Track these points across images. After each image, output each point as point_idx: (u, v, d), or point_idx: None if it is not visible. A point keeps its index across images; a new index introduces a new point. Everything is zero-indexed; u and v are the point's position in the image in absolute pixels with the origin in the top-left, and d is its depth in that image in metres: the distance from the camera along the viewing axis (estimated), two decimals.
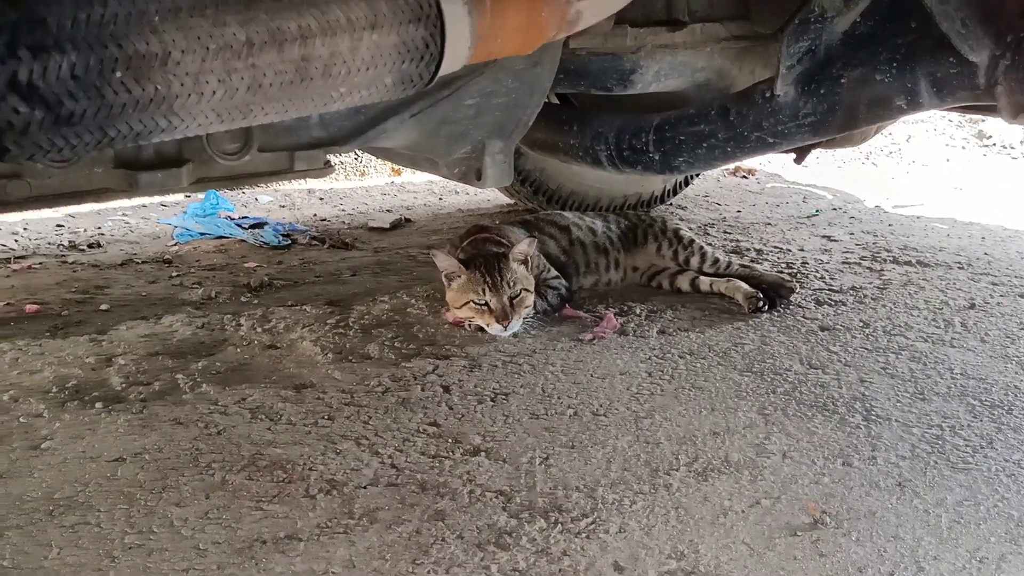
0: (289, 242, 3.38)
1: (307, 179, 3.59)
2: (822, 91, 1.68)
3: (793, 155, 2.14)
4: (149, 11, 0.99)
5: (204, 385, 2.16)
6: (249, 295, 2.83)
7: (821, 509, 1.68)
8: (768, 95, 1.73)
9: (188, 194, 3.95)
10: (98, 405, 2.05)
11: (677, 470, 1.82)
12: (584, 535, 1.60)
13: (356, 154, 4.28)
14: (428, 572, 1.49)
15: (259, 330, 2.51)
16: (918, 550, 1.57)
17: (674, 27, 1.96)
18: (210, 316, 2.61)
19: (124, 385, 2.16)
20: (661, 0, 1.97)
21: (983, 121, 5.22)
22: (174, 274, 3.04)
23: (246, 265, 3.13)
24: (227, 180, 1.55)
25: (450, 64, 1.28)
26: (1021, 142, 5.02)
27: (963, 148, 5.13)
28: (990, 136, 5.13)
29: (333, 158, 4.20)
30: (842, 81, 1.66)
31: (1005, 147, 5.05)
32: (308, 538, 1.57)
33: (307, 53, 1.10)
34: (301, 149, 1.52)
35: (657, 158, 1.89)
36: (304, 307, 2.68)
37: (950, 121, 5.30)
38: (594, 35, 1.82)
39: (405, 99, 1.44)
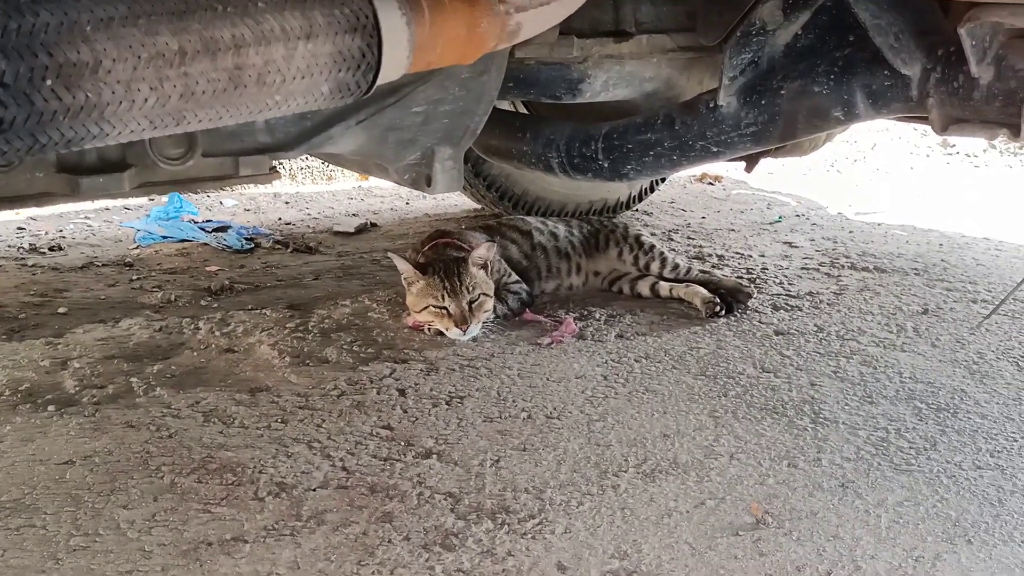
0: (252, 246, 3.38)
1: (254, 184, 3.59)
2: (763, 102, 1.71)
3: (744, 163, 2.18)
4: (81, 21, 1.00)
5: (158, 388, 2.15)
6: (209, 299, 2.82)
7: (764, 509, 1.71)
8: (712, 105, 1.76)
9: (152, 197, 3.94)
10: (50, 408, 2.04)
11: (626, 472, 1.84)
12: (530, 536, 1.62)
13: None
14: (373, 573, 1.50)
15: (217, 334, 2.51)
16: (856, 549, 1.60)
17: (621, 38, 1.99)
18: (168, 320, 2.60)
19: (78, 388, 2.15)
20: (609, 12, 2.00)
21: None
22: (134, 277, 3.03)
23: (208, 269, 3.13)
24: (171, 184, 1.56)
25: (388, 73, 1.29)
26: (984, 151, 5.10)
27: (927, 156, 5.21)
28: (954, 144, 5.21)
29: (288, 163, 4.19)
30: (782, 92, 1.70)
31: (968, 155, 5.13)
32: (254, 540, 1.58)
33: (241, 62, 1.11)
34: (246, 155, 1.53)
35: (606, 166, 1.92)
36: (264, 311, 2.68)
37: (915, 129, 5.37)
38: (540, 45, 1.85)
39: (350, 106, 1.46)
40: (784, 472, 1.85)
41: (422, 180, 1.75)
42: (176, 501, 1.69)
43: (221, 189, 3.81)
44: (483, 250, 2.55)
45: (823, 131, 1.79)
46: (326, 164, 4.28)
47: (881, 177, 4.86)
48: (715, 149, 1.77)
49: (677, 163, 1.85)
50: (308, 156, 4.21)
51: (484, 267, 2.56)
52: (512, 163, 2.18)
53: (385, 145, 1.66)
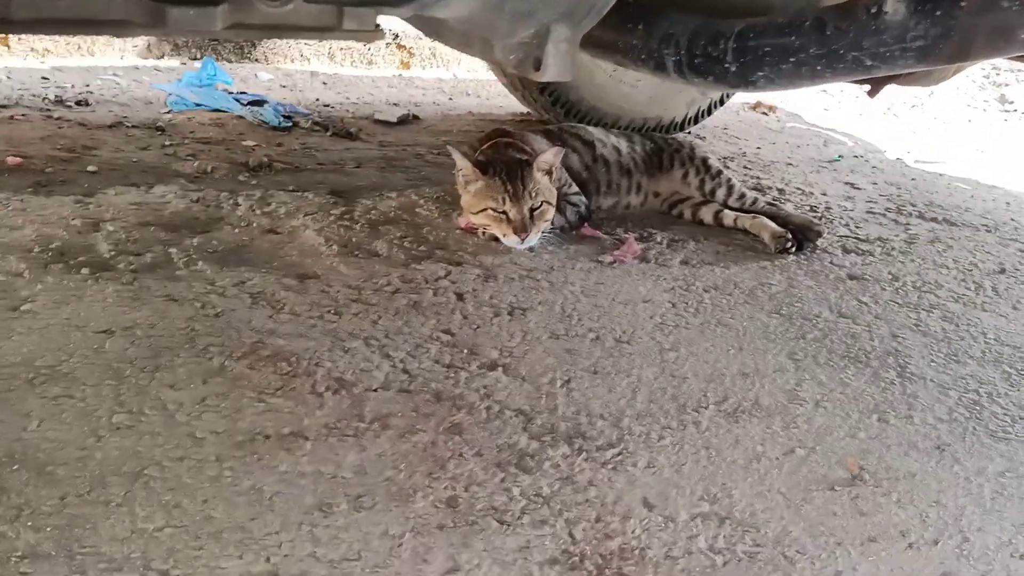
0: (290, 124, 3.18)
1: (355, 40, 3.36)
2: (938, 13, 1.50)
3: (868, 87, 1.98)
4: None
5: (200, 263, 1.99)
6: (247, 175, 2.64)
7: (859, 465, 1.58)
8: (875, 11, 1.55)
9: (184, 61, 3.71)
10: (84, 271, 1.88)
11: (706, 408, 1.70)
12: (611, 466, 1.49)
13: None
14: (445, 488, 1.37)
15: (258, 212, 2.34)
16: (961, 519, 1.48)
17: None
18: (205, 192, 2.43)
19: (113, 253, 1.99)
20: None
21: (1007, 86, 5.08)
22: (167, 143, 2.84)
23: (244, 143, 2.93)
24: (266, 30, 1.36)
25: None
26: None
27: (984, 111, 5.00)
28: (1012, 101, 5.00)
29: (327, 42, 3.94)
30: (962, 4, 1.49)
31: None
32: (315, 438, 1.44)
33: None
34: (352, 5, 1.33)
35: (734, 69, 1.71)
36: (306, 194, 2.51)
37: (973, 82, 5.15)
38: None
39: None
40: (875, 427, 1.72)
41: (530, 62, 1.55)
42: (227, 386, 1.54)
43: (320, 40, 3.55)
44: (551, 155, 2.37)
45: (1001, 54, 1.59)
46: (367, 47, 4.04)
47: (939, 127, 4.67)
48: (869, 62, 1.57)
49: (820, 74, 1.65)
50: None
51: (549, 173, 2.38)
52: (614, 58, 1.97)
53: (500, 15, 1.45)
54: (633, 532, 1.34)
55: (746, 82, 1.72)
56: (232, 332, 1.71)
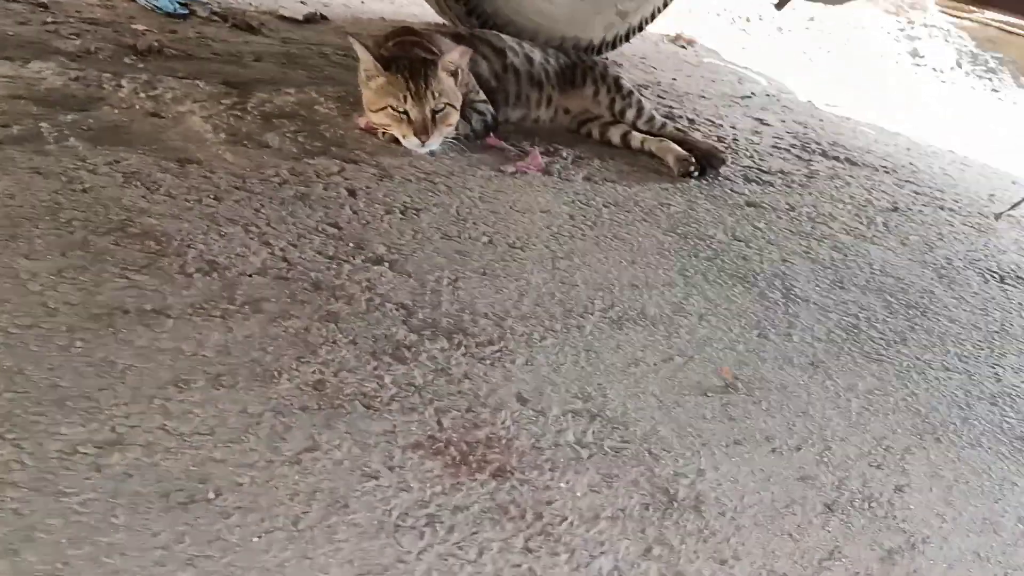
0: (186, 12, 3.00)
1: None
2: None
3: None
4: None
5: (72, 139, 1.87)
6: (134, 58, 2.48)
7: (734, 374, 1.60)
8: None
9: None
10: None
11: (592, 314, 1.69)
12: (488, 361, 1.46)
13: None
14: (313, 372, 1.32)
15: (142, 95, 2.20)
16: (826, 429, 1.51)
17: None
18: (87, 71, 2.27)
19: None
20: None
21: (919, 39, 5.18)
22: (49, 20, 2.64)
23: (134, 26, 2.75)
24: None
25: None
26: (951, 68, 5.02)
27: (896, 62, 5.09)
28: (923, 56, 5.11)
29: None
30: None
31: (935, 69, 5.04)
32: (179, 316, 1.37)
33: None
34: None
35: None
36: (197, 82, 2.37)
37: (888, 33, 5.23)
38: None
39: None
40: (754, 341, 1.74)
41: None
42: (88, 260, 1.45)
43: None
44: (456, 55, 2.29)
45: None
46: None
47: (851, 73, 4.73)
48: None
49: None
50: None
51: (454, 75, 2.30)
52: None
53: None
54: (503, 423, 1.32)
55: None
56: (99, 208, 1.61)
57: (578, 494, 1.21)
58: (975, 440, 1.58)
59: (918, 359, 1.82)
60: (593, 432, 1.35)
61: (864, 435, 1.52)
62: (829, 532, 1.29)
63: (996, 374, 1.84)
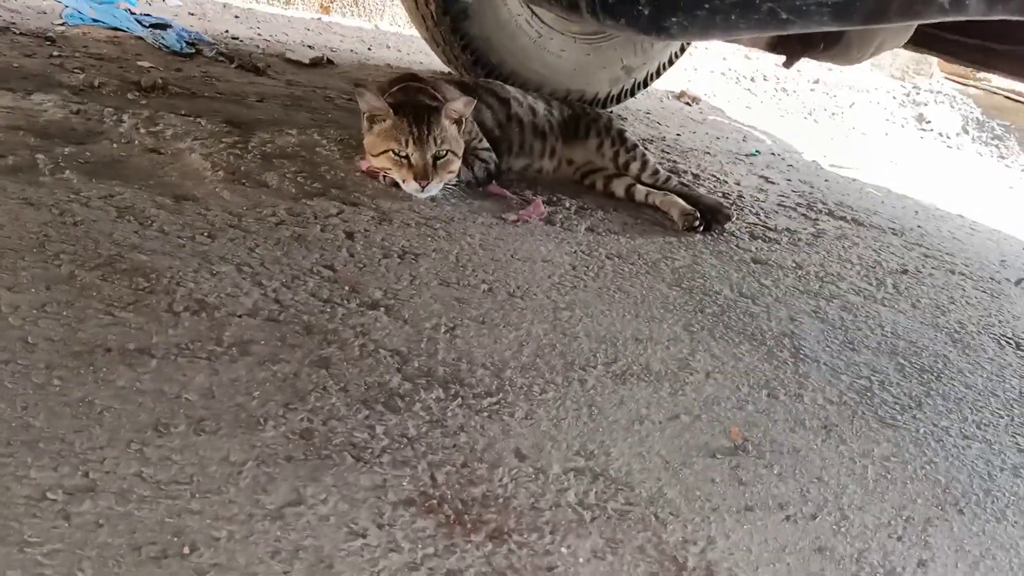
0: (193, 51, 2.98)
1: None
2: None
3: (784, 57, 1.93)
4: None
5: (67, 172, 1.82)
6: (138, 94, 2.45)
7: (744, 436, 1.52)
8: None
9: None
10: None
11: (594, 367, 1.63)
12: (486, 414, 1.39)
13: None
14: (301, 419, 1.25)
15: (142, 131, 2.16)
16: (842, 497, 1.43)
17: None
18: (88, 105, 2.24)
19: None
20: None
21: (925, 105, 5.19)
22: (55, 54, 2.62)
23: (139, 63, 2.73)
24: None
25: None
26: (957, 134, 5.02)
27: (902, 127, 5.10)
28: (929, 121, 5.11)
29: None
30: None
31: (942, 135, 5.04)
32: (163, 356, 1.30)
33: None
34: None
35: (647, 13, 1.63)
36: (199, 120, 2.34)
37: (893, 98, 5.25)
38: None
39: None
40: (764, 401, 1.67)
41: None
42: (73, 295, 1.39)
43: None
44: (460, 103, 2.26)
45: (919, 19, 1.54)
46: None
47: (856, 136, 4.73)
48: (784, 16, 1.51)
49: (734, 24, 1.57)
50: None
51: (458, 123, 2.27)
52: None
53: None
54: (500, 480, 1.25)
55: (659, 28, 1.65)
56: (89, 242, 1.55)
57: (580, 560, 1.13)
58: (1000, 513, 1.50)
59: (935, 425, 1.75)
60: (596, 493, 1.27)
61: (883, 504, 1.44)
62: None
63: (1017, 443, 1.76)
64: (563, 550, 1.14)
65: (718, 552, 1.23)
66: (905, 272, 2.63)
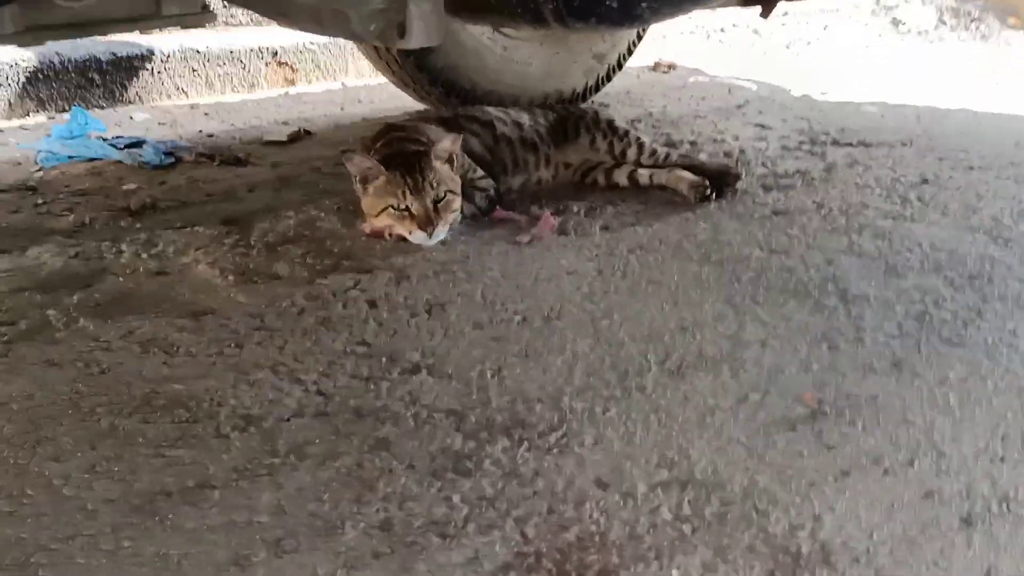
0: (173, 160, 2.98)
1: (181, 28, 3.15)
2: None
3: (760, 8, 1.89)
4: None
5: (81, 320, 1.81)
6: (130, 219, 2.45)
7: (817, 398, 1.48)
8: None
9: (52, 115, 3.48)
10: None
11: (649, 370, 1.59)
12: (556, 451, 1.36)
13: (242, 63, 3.85)
14: (377, 511, 1.23)
15: (144, 256, 2.16)
16: (933, 434, 1.39)
17: None
18: (84, 244, 2.24)
19: None
20: None
21: (896, 7, 5.10)
22: (40, 202, 2.62)
23: (124, 187, 2.73)
24: (70, 28, 1.19)
25: None
26: (935, 27, 4.93)
27: (879, 36, 5.01)
28: (904, 22, 5.03)
29: (205, 70, 3.75)
30: None
31: (920, 33, 4.95)
32: (223, 485, 1.28)
33: None
34: None
35: (615, 6, 1.59)
36: (196, 228, 2.33)
37: (863, 11, 5.16)
38: None
39: None
40: (826, 356, 1.62)
41: (393, 30, 1.42)
42: (119, 447, 1.37)
43: (141, 32, 3.29)
44: (448, 142, 2.23)
45: None
46: (245, 68, 3.86)
47: (838, 57, 4.65)
48: None
49: None
50: (231, 52, 3.77)
51: (449, 161, 2.24)
52: (488, 19, 1.85)
53: None
54: (590, 517, 1.21)
55: (631, 17, 1.62)
56: (121, 387, 1.54)
57: None
58: None
59: (1001, 331, 1.69)
60: (689, 502, 1.23)
61: (975, 429, 1.39)
62: (975, 550, 1.16)
63: None
64: (674, 572, 1.10)
65: (828, 529, 1.19)
66: (925, 182, 2.56)
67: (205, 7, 1.25)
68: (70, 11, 1.06)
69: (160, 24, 1.25)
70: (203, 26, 1.36)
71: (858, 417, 1.43)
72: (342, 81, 4.09)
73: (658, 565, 1.12)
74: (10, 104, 3.44)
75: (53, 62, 3.52)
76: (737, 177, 2.55)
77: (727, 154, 2.92)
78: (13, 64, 3.44)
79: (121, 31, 2.53)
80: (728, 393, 1.51)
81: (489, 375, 1.58)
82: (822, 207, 2.38)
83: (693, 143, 3.08)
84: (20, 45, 2.29)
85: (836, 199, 2.44)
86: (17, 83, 3.46)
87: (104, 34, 2.68)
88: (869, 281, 1.92)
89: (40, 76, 3.50)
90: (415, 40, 1.43)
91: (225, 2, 1.48)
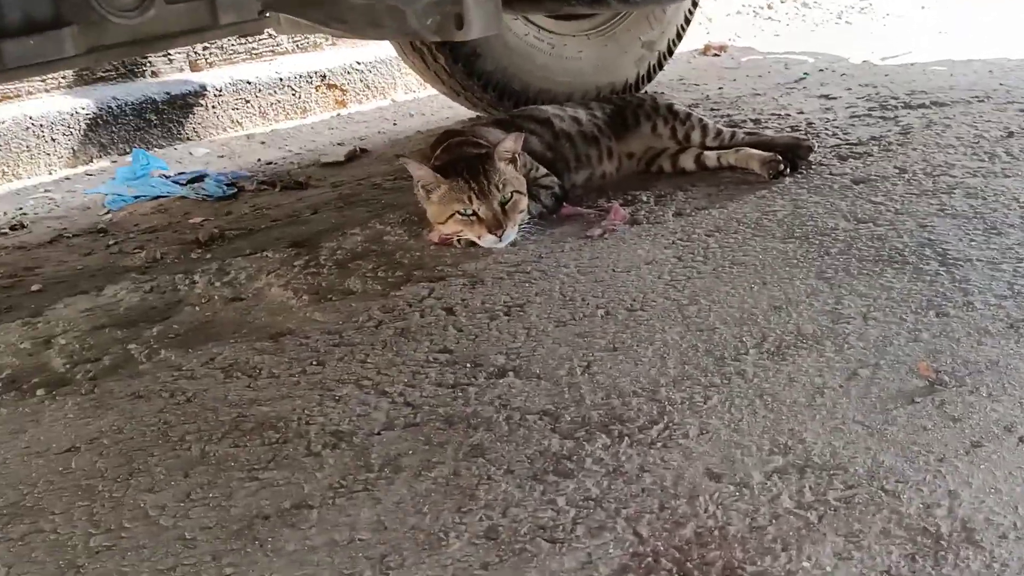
0: (235, 191, 2.99)
1: (239, 36, 3.15)
2: None
3: None
4: None
5: (163, 351, 1.80)
6: (200, 251, 2.45)
7: (934, 368, 1.38)
8: None
9: (114, 159, 3.54)
10: (39, 392, 1.69)
11: (747, 354, 1.51)
12: (660, 444, 1.29)
13: (292, 89, 3.86)
14: (480, 519, 1.17)
15: (217, 284, 2.15)
16: None
17: None
18: (158, 279, 2.24)
19: (68, 365, 1.80)
20: None
21: None
22: (111, 243, 2.65)
23: (191, 221, 2.75)
24: (130, 46, 1.17)
25: None
26: None
27: None
28: None
29: (258, 100, 3.77)
30: None
31: None
32: (321, 504, 1.24)
33: None
34: None
35: None
36: (265, 253, 2.32)
37: None
38: None
39: None
40: (936, 323, 1.53)
41: (451, 23, 1.37)
42: (212, 473, 1.35)
43: (197, 43, 3.29)
44: (510, 141, 2.18)
45: None
46: (297, 95, 3.87)
47: (894, 21, 4.50)
48: None
49: None
50: (280, 80, 3.80)
51: (512, 161, 2.20)
52: (544, 6, 1.79)
53: None
54: (706, 511, 1.14)
55: None
56: (208, 414, 1.52)
57: (828, 569, 1.02)
58: None
59: None
60: (810, 488, 1.15)
61: None
62: None
63: None
64: (805, 564, 1.03)
65: (966, 506, 1.10)
66: (1011, 135, 2.44)
67: (262, 12, 1.22)
68: (128, 29, 1.04)
69: (219, 35, 1.22)
70: (261, 32, 1.33)
71: (980, 384, 1.33)
72: (392, 98, 4.09)
73: (787, 557, 1.05)
74: (74, 152, 3.50)
75: (111, 107, 3.58)
76: (810, 149, 2.46)
77: (794, 128, 2.82)
78: (73, 112, 3.50)
79: (182, 44, 2.52)
80: (835, 370, 1.42)
81: (579, 372, 1.52)
82: (905, 171, 2.27)
83: (756, 121, 2.99)
84: (83, 68, 2.30)
85: (918, 162, 2.32)
86: (79, 130, 3.52)
87: (166, 49, 2.66)
88: (969, 242, 1.82)
89: (100, 122, 3.56)
90: (474, 30, 1.38)
91: (274, 17, 1.46)
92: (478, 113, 3.48)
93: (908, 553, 1.03)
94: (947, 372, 1.37)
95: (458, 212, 2.13)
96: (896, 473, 1.16)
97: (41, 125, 3.43)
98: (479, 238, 2.13)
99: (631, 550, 1.09)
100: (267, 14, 1.25)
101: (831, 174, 2.32)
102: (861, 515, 1.10)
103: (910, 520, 1.08)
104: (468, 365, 1.59)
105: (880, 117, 2.81)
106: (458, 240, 2.19)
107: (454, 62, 3.12)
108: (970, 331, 1.48)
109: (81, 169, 3.48)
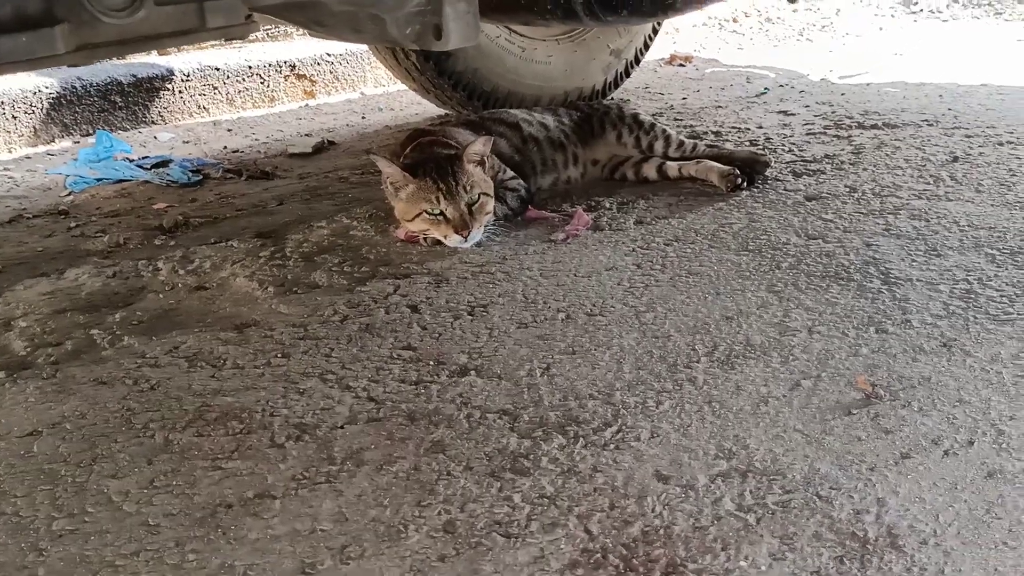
0: (200, 178, 3.00)
1: (225, 40, 3.16)
2: None
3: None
4: None
5: (126, 338, 1.82)
6: (164, 237, 2.46)
7: (871, 382, 1.47)
8: None
9: (77, 140, 3.51)
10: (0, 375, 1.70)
11: (698, 362, 1.58)
12: (613, 446, 1.35)
13: (261, 78, 3.87)
14: (439, 514, 1.22)
15: (182, 272, 2.17)
16: (990, 412, 1.37)
17: None
18: (121, 264, 2.25)
19: (29, 349, 1.81)
20: None
21: None
22: (73, 225, 2.65)
23: (155, 207, 2.75)
24: (119, 45, 1.20)
25: None
26: (947, 6, 4.89)
27: (892, 16, 4.98)
28: (916, 2, 4.98)
29: (225, 86, 3.76)
30: None
31: (933, 11, 4.91)
32: (283, 494, 1.28)
33: None
34: None
35: None
36: (231, 242, 2.34)
37: None
38: None
39: None
40: (875, 339, 1.61)
41: (429, 32, 1.41)
42: (176, 461, 1.38)
43: (186, 46, 3.31)
44: (480, 144, 2.23)
45: None
46: (265, 83, 3.88)
47: (852, 40, 4.63)
48: None
49: None
50: (249, 68, 3.79)
51: (481, 164, 2.25)
52: (518, 17, 1.85)
53: None
54: (653, 511, 1.20)
55: (664, 6, 1.61)
56: (172, 402, 1.55)
57: (763, 568, 1.09)
58: None
59: None
60: (751, 491, 1.22)
61: None
62: None
63: None
64: (743, 563, 1.10)
65: (893, 513, 1.18)
66: (956, 160, 2.54)
67: (249, 17, 1.25)
68: (118, 29, 1.07)
69: (206, 37, 1.25)
70: (246, 37, 1.36)
71: (913, 399, 1.42)
72: (361, 91, 4.11)
73: (725, 556, 1.11)
74: (35, 130, 3.47)
75: (75, 87, 3.55)
76: (766, 164, 2.54)
77: (753, 142, 2.91)
78: (36, 91, 3.47)
79: (169, 45, 2.52)
80: (780, 381, 1.50)
81: (538, 373, 1.58)
82: (855, 190, 2.36)
83: (717, 133, 3.07)
84: (71, 65, 2.30)
85: (868, 182, 2.42)
86: (41, 109, 3.49)
87: (154, 49, 2.67)
88: (911, 262, 1.91)
89: (63, 101, 3.54)
90: (452, 41, 1.43)
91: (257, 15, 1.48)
92: (447, 111, 3.52)
93: (837, 555, 1.10)
94: (883, 386, 1.45)
95: (425, 211, 2.17)
96: (830, 480, 1.24)
97: (2, 102, 3.39)
98: (445, 238, 2.18)
99: (581, 546, 1.15)
100: (253, 18, 1.28)
101: (785, 190, 2.41)
102: (796, 519, 1.17)
103: (841, 525, 1.15)
104: (431, 363, 1.64)
105: (835, 136, 2.90)
106: (424, 238, 2.23)
107: (425, 60, 3.16)
108: (906, 348, 1.57)
109: (42, 148, 3.45)
